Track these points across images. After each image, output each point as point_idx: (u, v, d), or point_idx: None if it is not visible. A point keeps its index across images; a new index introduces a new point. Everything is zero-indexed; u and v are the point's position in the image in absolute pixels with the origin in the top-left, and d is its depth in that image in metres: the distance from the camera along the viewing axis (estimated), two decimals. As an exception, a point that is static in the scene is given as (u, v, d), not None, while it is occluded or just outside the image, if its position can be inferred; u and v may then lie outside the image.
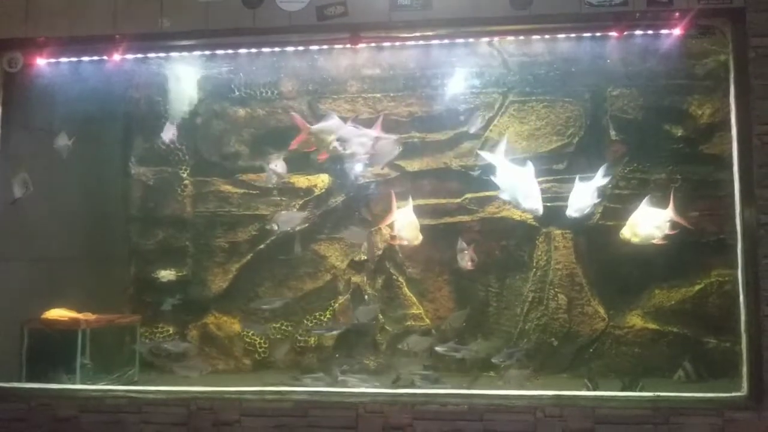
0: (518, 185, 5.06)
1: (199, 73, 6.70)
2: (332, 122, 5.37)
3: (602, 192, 5.57)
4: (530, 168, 5.09)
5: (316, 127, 5.41)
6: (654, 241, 5.16)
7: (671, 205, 5.16)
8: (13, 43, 5.16)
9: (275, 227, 6.01)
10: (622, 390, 5.09)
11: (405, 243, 5.63)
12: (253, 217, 6.70)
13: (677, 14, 4.61)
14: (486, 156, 5.42)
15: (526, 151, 6.39)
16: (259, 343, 6.60)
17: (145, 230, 6.92)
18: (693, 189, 5.98)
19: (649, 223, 5.16)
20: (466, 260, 5.66)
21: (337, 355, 6.35)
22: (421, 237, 5.60)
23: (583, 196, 5.22)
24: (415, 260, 6.53)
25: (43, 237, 5.84)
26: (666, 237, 5.15)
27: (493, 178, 5.21)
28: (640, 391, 5.02)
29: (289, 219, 6.16)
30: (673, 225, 5.14)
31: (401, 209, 5.65)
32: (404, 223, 5.59)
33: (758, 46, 4.47)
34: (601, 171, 5.29)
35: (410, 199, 5.71)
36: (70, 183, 6.06)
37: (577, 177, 5.37)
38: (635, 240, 5.19)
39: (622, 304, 6.27)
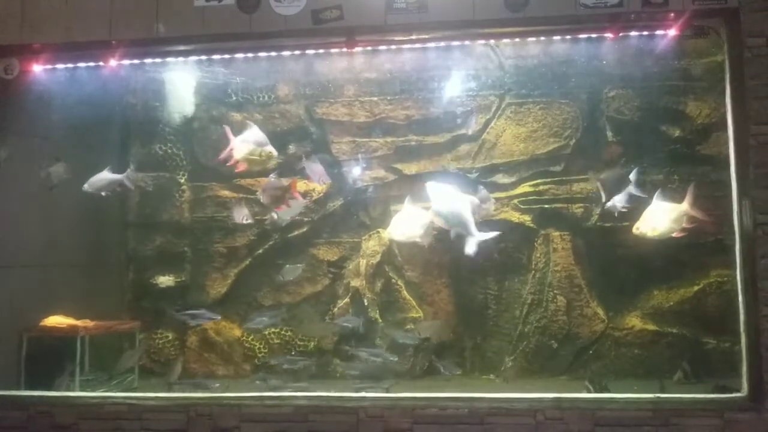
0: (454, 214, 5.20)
1: (196, 78, 6.69)
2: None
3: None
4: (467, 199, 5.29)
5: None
6: (674, 235, 5.15)
7: (688, 199, 5.12)
8: (10, 50, 5.15)
9: (274, 216, 5.94)
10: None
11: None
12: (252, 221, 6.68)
13: (672, 15, 4.61)
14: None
15: (523, 153, 6.42)
16: (259, 348, 6.59)
17: (143, 236, 6.91)
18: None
19: (664, 217, 5.15)
20: (489, 205, 5.71)
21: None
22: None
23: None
24: (414, 263, 6.52)
25: (42, 244, 5.83)
26: (684, 230, 5.13)
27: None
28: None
29: (288, 209, 6.07)
30: (690, 219, 5.11)
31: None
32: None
33: (753, 46, 4.47)
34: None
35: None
36: (68, 189, 6.04)
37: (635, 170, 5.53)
38: (651, 234, 5.16)
39: (621, 306, 6.26)
